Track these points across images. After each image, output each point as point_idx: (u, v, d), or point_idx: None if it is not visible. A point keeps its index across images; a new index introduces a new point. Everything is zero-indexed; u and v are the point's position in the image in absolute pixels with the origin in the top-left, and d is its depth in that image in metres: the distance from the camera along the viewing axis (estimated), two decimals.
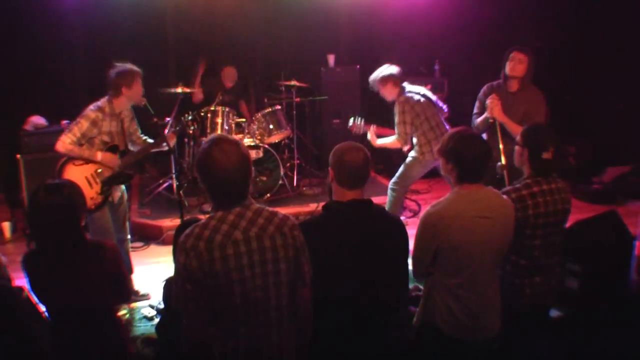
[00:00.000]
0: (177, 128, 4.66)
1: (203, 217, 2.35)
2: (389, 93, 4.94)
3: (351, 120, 5.23)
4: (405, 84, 4.97)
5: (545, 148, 3.00)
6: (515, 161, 3.15)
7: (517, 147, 3.11)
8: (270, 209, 2.26)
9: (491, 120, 4.20)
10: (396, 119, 4.86)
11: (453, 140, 2.70)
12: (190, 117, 4.60)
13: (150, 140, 4.40)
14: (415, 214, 6.31)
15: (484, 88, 4.46)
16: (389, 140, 5.01)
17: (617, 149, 7.28)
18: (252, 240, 2.14)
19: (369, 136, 5.10)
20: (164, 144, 4.37)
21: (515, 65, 4.21)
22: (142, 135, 4.41)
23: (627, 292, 4.00)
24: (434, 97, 5.05)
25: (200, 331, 2.17)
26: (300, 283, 2.28)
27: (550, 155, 3.00)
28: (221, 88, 6.69)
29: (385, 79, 4.90)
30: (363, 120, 5.21)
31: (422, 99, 4.89)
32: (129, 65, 4.10)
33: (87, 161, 4.03)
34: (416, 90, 4.95)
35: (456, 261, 2.64)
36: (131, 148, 4.32)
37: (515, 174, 3.77)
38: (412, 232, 2.62)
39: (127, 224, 4.49)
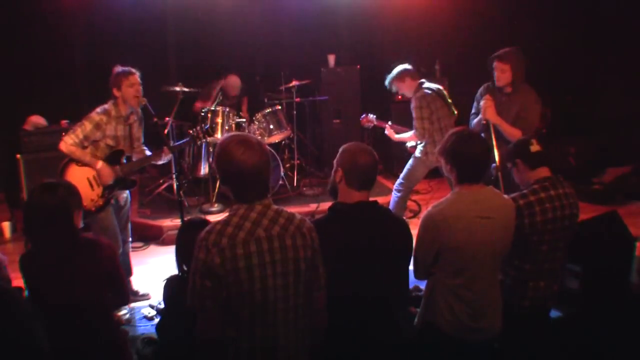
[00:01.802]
0: (186, 140, 4.60)
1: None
2: (407, 88, 4.99)
3: (363, 115, 5.40)
4: (423, 80, 5.02)
5: (528, 143, 3.02)
6: (519, 182, 3.15)
7: (513, 170, 3.14)
8: (288, 210, 2.26)
9: (484, 122, 4.21)
10: (414, 114, 4.90)
11: (451, 141, 2.71)
12: (206, 127, 4.56)
13: (148, 153, 4.33)
14: (415, 214, 6.31)
15: (481, 89, 4.47)
16: (406, 135, 5.09)
17: (617, 149, 7.27)
18: (275, 239, 2.14)
19: (387, 132, 5.22)
20: (163, 156, 4.25)
21: (499, 76, 4.25)
22: (143, 146, 4.36)
23: (628, 293, 3.99)
24: (449, 99, 5.08)
25: (214, 329, 2.15)
26: (317, 286, 2.29)
27: (537, 146, 3.01)
28: (223, 92, 6.69)
29: (402, 75, 4.97)
30: (375, 116, 5.35)
31: (438, 99, 4.92)
32: (119, 68, 4.07)
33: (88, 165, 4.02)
34: (434, 87, 4.99)
35: (458, 261, 2.64)
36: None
37: (510, 175, 3.80)
38: (413, 232, 2.63)
39: (129, 225, 4.48)
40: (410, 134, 5.03)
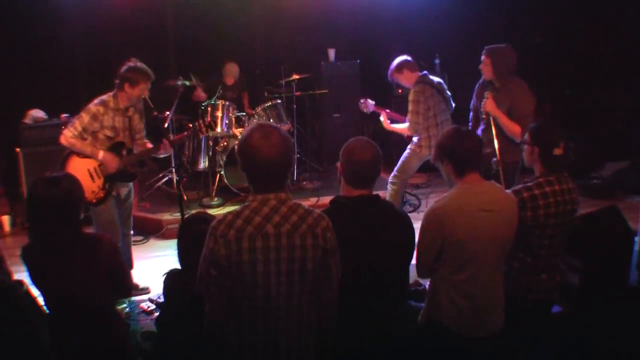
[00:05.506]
0: (186, 133, 4.59)
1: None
2: (405, 80, 4.99)
3: (362, 100, 5.35)
4: (425, 72, 5.00)
5: (555, 144, 2.96)
6: (525, 160, 3.13)
7: (526, 147, 3.08)
8: (306, 206, 2.21)
9: (484, 116, 4.20)
10: (410, 107, 4.89)
11: (440, 139, 2.79)
12: (210, 121, 4.54)
13: (150, 145, 4.31)
14: (415, 208, 6.31)
15: (477, 85, 4.50)
16: (400, 127, 5.10)
17: (616, 144, 7.28)
18: (283, 237, 2.11)
19: (381, 118, 5.19)
20: (162, 150, 4.23)
21: (482, 68, 4.30)
22: (145, 139, 4.32)
23: (628, 287, 4.00)
24: (448, 93, 5.08)
25: (219, 313, 2.18)
26: (327, 286, 2.24)
27: (561, 150, 2.96)
28: (222, 85, 6.68)
29: (400, 66, 4.96)
30: (374, 102, 5.31)
31: (436, 93, 4.91)
32: (142, 66, 4.03)
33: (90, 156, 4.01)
34: (434, 81, 4.98)
35: (461, 256, 2.63)
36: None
37: (510, 170, 3.79)
38: (414, 227, 2.63)
39: (131, 218, 4.48)
40: (403, 126, 5.03)
